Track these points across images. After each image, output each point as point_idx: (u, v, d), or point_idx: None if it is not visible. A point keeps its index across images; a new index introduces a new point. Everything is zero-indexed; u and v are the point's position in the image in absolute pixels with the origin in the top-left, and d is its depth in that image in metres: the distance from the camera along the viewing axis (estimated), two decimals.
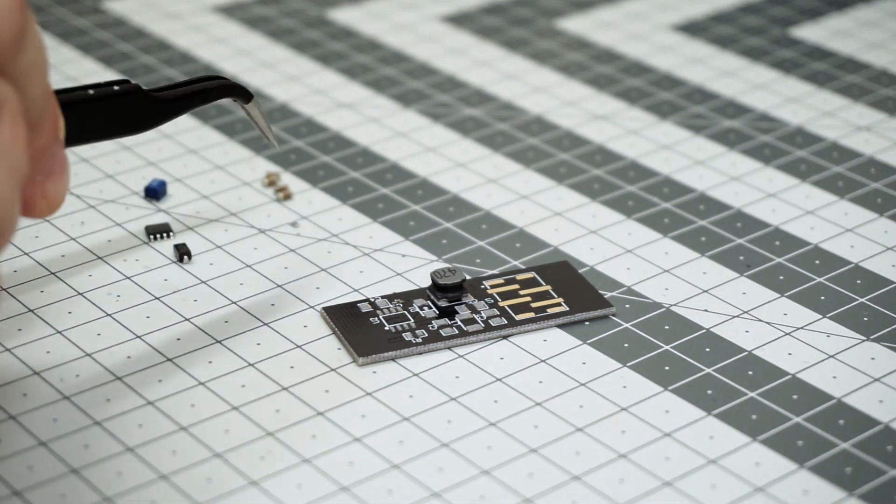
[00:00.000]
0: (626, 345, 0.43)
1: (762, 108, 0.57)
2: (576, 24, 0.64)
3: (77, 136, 0.41)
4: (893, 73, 0.60)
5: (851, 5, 0.66)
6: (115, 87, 0.42)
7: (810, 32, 0.63)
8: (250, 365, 0.42)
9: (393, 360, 0.42)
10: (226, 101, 0.57)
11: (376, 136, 0.55)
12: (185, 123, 0.55)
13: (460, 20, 0.65)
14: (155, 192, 0.50)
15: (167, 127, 0.55)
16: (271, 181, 0.51)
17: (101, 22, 0.64)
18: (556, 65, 0.60)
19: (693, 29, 0.64)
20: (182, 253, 0.46)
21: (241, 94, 0.46)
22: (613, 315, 0.44)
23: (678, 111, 0.57)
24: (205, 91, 0.45)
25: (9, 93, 0.35)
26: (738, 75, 0.59)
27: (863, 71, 0.60)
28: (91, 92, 0.42)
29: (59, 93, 0.41)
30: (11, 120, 0.35)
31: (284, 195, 0.50)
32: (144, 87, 0.43)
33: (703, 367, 0.42)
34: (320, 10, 0.65)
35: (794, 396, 0.41)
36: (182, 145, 0.54)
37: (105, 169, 0.52)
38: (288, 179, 0.51)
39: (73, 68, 0.59)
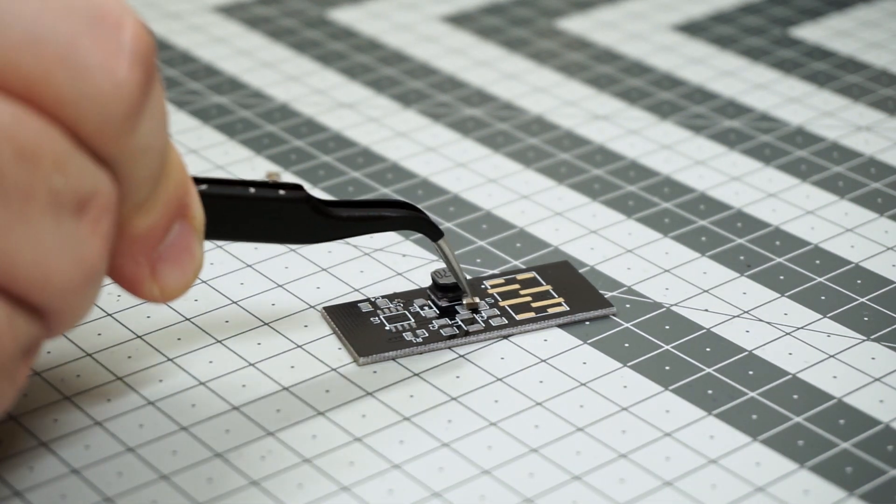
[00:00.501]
0: (626, 345, 0.43)
1: (762, 108, 0.57)
2: (576, 24, 0.64)
3: (225, 231, 0.38)
4: (893, 73, 0.60)
5: (851, 5, 0.66)
6: (281, 192, 0.39)
7: (810, 32, 0.63)
8: (250, 365, 0.42)
9: (393, 359, 0.42)
10: (226, 101, 0.57)
11: (376, 136, 0.55)
12: (185, 123, 0.55)
13: (460, 20, 0.65)
14: None
15: None
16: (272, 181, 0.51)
17: None
18: (556, 65, 0.60)
19: (693, 29, 0.64)
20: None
21: (429, 230, 0.42)
22: (614, 315, 0.44)
23: (678, 111, 0.57)
24: (387, 219, 0.41)
25: (103, 183, 0.32)
26: (738, 75, 0.59)
27: (863, 71, 0.60)
28: (252, 190, 0.38)
29: (213, 183, 0.38)
30: (98, 213, 0.32)
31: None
32: (319, 200, 0.40)
33: (704, 367, 0.42)
34: (320, 10, 0.65)
35: (795, 396, 0.41)
36: (182, 145, 0.54)
37: None
38: (288, 179, 0.51)
39: None
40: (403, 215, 0.41)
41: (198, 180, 0.37)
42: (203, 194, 0.37)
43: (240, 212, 0.38)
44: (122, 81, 0.31)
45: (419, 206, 0.42)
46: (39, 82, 0.31)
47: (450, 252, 0.43)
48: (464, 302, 0.44)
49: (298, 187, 0.39)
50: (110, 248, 0.33)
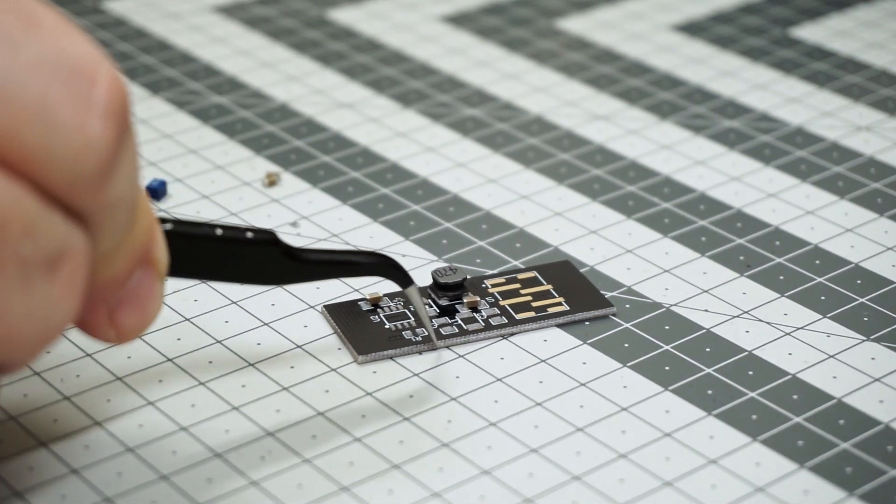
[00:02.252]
0: (626, 345, 0.43)
1: (762, 108, 0.57)
2: (576, 24, 0.64)
3: (193, 271, 0.38)
4: (893, 73, 0.60)
5: (851, 5, 0.66)
6: (248, 234, 0.38)
7: (810, 32, 0.63)
8: (250, 365, 0.42)
9: (392, 358, 0.42)
10: (226, 101, 0.57)
11: (376, 136, 0.55)
12: (185, 123, 0.55)
13: (460, 20, 0.65)
14: (155, 192, 0.50)
15: (167, 126, 0.55)
16: (271, 181, 0.51)
17: (101, 22, 0.64)
18: (556, 65, 0.60)
19: (693, 29, 0.64)
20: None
21: (400, 278, 0.41)
22: (614, 315, 0.44)
23: (678, 111, 0.57)
24: (357, 265, 0.40)
25: (76, 238, 0.31)
26: (738, 75, 0.59)
27: (863, 71, 0.60)
28: (219, 232, 0.37)
29: (182, 224, 0.37)
30: (72, 271, 0.31)
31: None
32: (288, 244, 0.39)
33: (703, 367, 0.42)
34: (320, 10, 0.65)
35: (795, 396, 0.41)
36: (182, 145, 0.54)
37: None
38: (288, 179, 0.51)
39: None
40: (374, 262, 0.41)
41: (164, 220, 0.37)
42: (171, 234, 0.36)
43: (207, 252, 0.37)
44: (95, 139, 0.30)
45: (391, 256, 0.42)
46: (8, 139, 0.30)
47: (419, 300, 0.42)
48: (433, 339, 0.43)
49: (268, 232, 0.38)
50: (82, 303, 0.32)
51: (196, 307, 0.44)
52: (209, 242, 0.37)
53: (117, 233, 0.32)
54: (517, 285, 0.45)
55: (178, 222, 0.37)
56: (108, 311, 0.34)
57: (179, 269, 0.37)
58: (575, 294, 0.45)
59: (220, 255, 0.38)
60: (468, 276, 0.45)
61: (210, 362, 0.42)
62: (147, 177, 0.51)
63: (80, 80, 0.30)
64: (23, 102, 0.30)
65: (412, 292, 0.41)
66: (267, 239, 0.38)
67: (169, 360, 0.42)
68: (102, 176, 0.30)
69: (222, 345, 0.43)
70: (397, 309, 0.44)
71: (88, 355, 0.42)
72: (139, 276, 0.34)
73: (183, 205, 0.50)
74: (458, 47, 0.62)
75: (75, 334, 0.43)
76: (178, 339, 0.43)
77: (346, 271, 0.40)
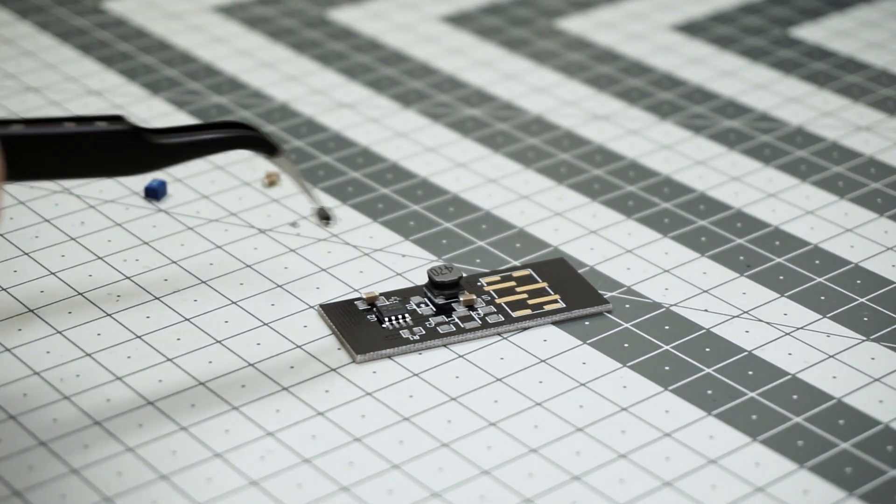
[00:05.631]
0: (626, 345, 0.43)
1: (762, 108, 0.57)
2: (576, 24, 0.64)
3: (49, 171, 0.37)
4: (893, 73, 0.60)
5: (851, 5, 0.66)
6: (100, 124, 0.37)
7: (810, 32, 0.63)
8: (250, 365, 0.42)
9: (390, 357, 0.42)
10: (225, 101, 0.57)
11: (376, 136, 0.55)
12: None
13: (460, 20, 0.65)
14: (155, 192, 0.50)
15: None
16: (271, 181, 0.51)
17: (101, 22, 0.64)
18: (556, 65, 0.60)
19: (693, 29, 0.64)
20: (322, 218, 0.44)
21: (265, 147, 0.40)
22: (609, 312, 0.44)
23: (678, 111, 0.57)
24: (219, 140, 0.39)
25: None
26: (738, 75, 0.59)
27: (863, 71, 0.60)
28: (70, 126, 0.36)
29: (28, 123, 0.36)
30: None
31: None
32: (145, 127, 0.38)
33: (703, 367, 0.42)
34: (320, 10, 0.65)
35: (794, 396, 0.41)
36: None
37: None
38: (288, 179, 0.51)
39: (73, 68, 0.59)
40: (235, 135, 0.39)
41: (11, 122, 0.36)
42: (19, 137, 0.35)
43: (61, 149, 0.36)
44: None
45: (255, 126, 0.41)
46: None
47: (291, 169, 0.40)
48: (318, 216, 0.42)
49: (119, 118, 0.37)
50: None
51: (196, 307, 0.44)
52: (61, 140, 0.36)
53: None
54: (512, 283, 0.45)
55: (28, 122, 0.36)
56: None
57: (38, 171, 0.36)
58: (570, 291, 0.45)
59: (75, 150, 0.37)
60: (463, 275, 0.45)
61: (210, 362, 0.42)
62: (147, 177, 0.51)
63: None
64: None
65: (282, 162, 0.40)
66: (119, 129, 0.37)
67: (169, 359, 0.42)
68: None
69: (222, 345, 0.43)
70: (394, 308, 0.44)
71: (88, 355, 0.42)
72: None
73: (183, 205, 0.50)
74: (458, 47, 0.62)
75: (75, 334, 0.43)
76: (178, 339, 0.43)
77: (207, 149, 0.39)
